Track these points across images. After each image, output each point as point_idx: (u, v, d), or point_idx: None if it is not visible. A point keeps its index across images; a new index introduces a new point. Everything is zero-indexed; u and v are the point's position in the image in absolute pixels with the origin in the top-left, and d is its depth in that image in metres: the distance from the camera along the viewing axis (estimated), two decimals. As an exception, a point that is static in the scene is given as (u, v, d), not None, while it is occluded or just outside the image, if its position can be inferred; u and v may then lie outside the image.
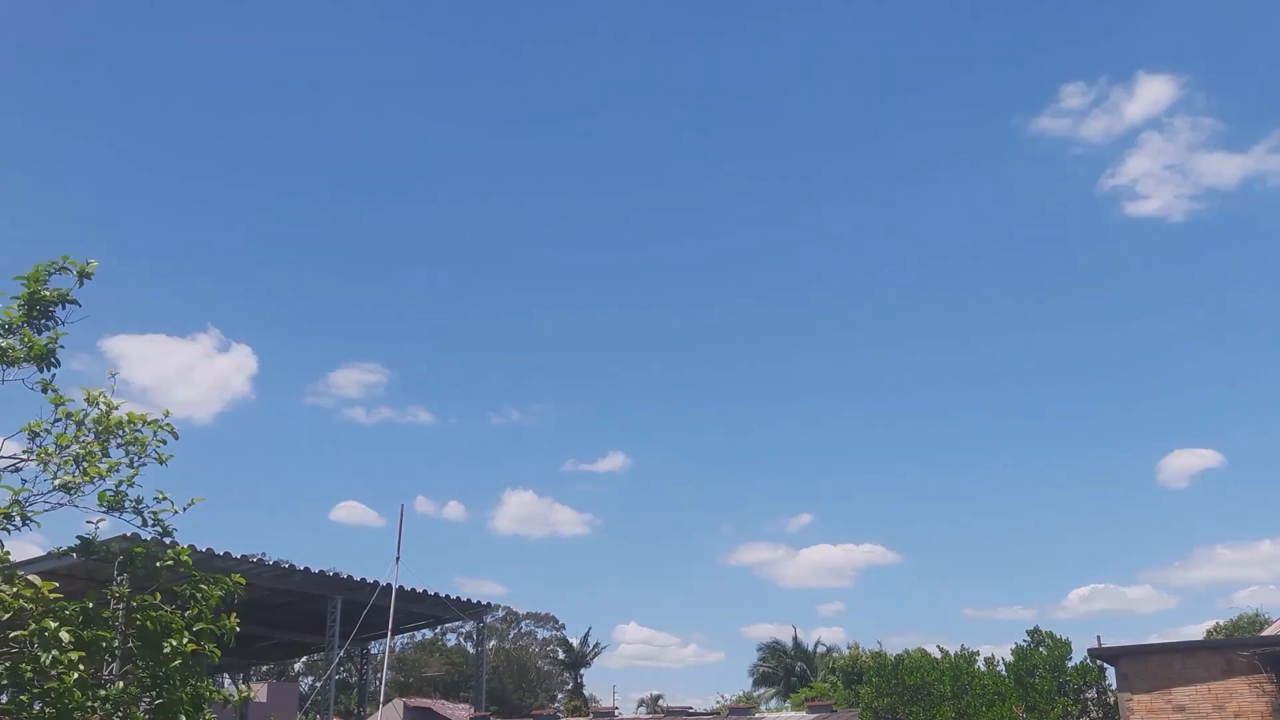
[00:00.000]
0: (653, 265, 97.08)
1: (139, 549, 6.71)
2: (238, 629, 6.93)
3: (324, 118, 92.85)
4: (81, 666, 5.91)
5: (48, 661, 5.82)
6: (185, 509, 6.82)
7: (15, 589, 6.12)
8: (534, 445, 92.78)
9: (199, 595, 6.71)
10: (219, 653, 6.72)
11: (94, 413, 6.65)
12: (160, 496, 6.70)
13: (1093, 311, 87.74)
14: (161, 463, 6.78)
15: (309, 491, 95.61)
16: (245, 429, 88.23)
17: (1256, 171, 79.95)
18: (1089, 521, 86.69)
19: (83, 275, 6.69)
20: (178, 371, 78.98)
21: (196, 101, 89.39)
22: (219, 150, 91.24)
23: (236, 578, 6.93)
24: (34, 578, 6.17)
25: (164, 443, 6.80)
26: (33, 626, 5.91)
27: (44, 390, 6.58)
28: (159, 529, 6.71)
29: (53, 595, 6.10)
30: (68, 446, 6.55)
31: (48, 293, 6.58)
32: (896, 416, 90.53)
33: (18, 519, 6.33)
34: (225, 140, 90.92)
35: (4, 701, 6.01)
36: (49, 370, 6.60)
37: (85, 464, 6.49)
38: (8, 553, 6.55)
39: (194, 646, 6.58)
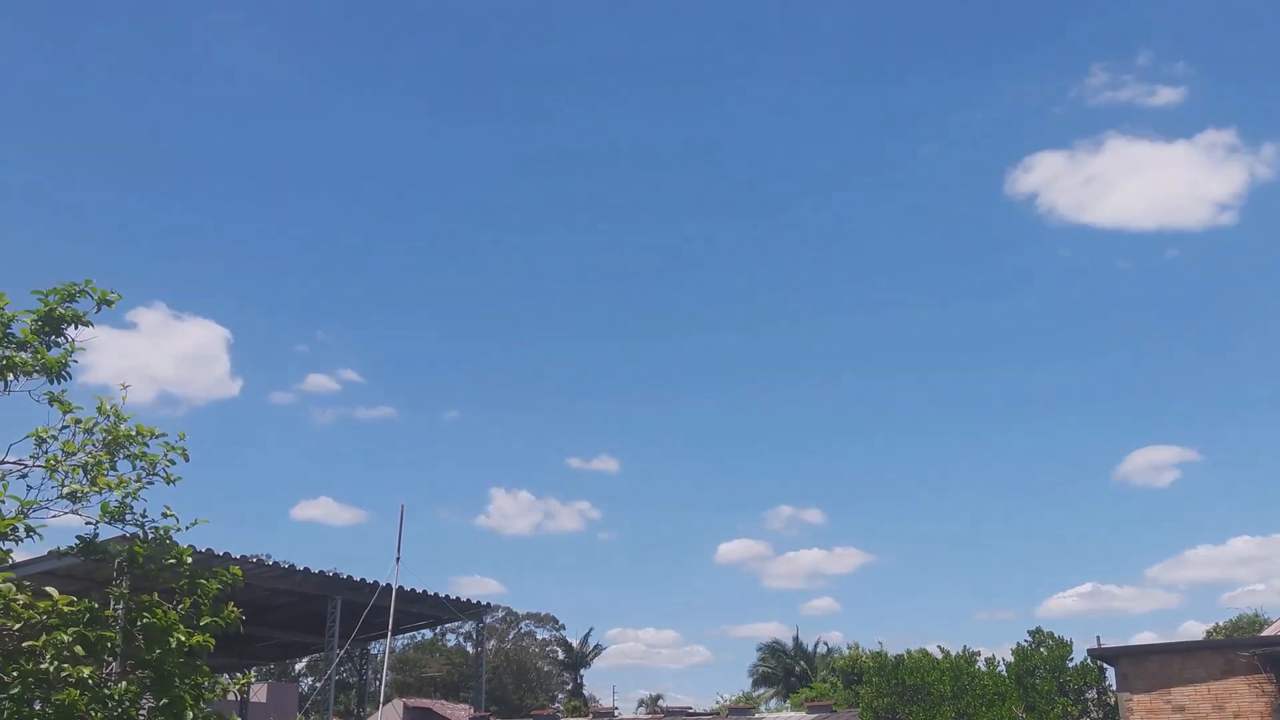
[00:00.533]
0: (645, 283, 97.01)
1: (140, 548, 6.73)
2: (242, 618, 6.94)
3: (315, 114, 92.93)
4: (90, 679, 5.92)
5: (54, 670, 5.83)
6: (189, 527, 6.90)
7: (26, 599, 6.13)
8: (527, 443, 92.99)
9: (198, 590, 6.73)
10: (213, 641, 6.72)
11: (104, 423, 6.70)
12: (167, 512, 6.77)
13: (1064, 319, 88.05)
14: (169, 483, 6.85)
15: (286, 488, 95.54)
16: (219, 425, 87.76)
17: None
18: (1066, 524, 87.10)
19: (102, 302, 6.82)
20: (147, 363, 78.28)
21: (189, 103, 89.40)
22: (194, 142, 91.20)
23: (234, 569, 6.96)
24: (51, 590, 6.18)
25: (173, 463, 6.86)
26: (45, 638, 5.92)
27: (51, 403, 6.66)
28: (161, 541, 6.76)
29: (67, 609, 6.10)
30: (74, 454, 6.59)
31: (63, 311, 6.70)
32: (879, 421, 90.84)
33: (21, 530, 6.36)
34: (212, 133, 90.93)
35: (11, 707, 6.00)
36: (59, 383, 6.68)
37: (93, 474, 6.54)
38: (9, 551, 6.56)
39: (198, 638, 6.60)
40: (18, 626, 6.00)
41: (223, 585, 6.84)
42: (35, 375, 6.58)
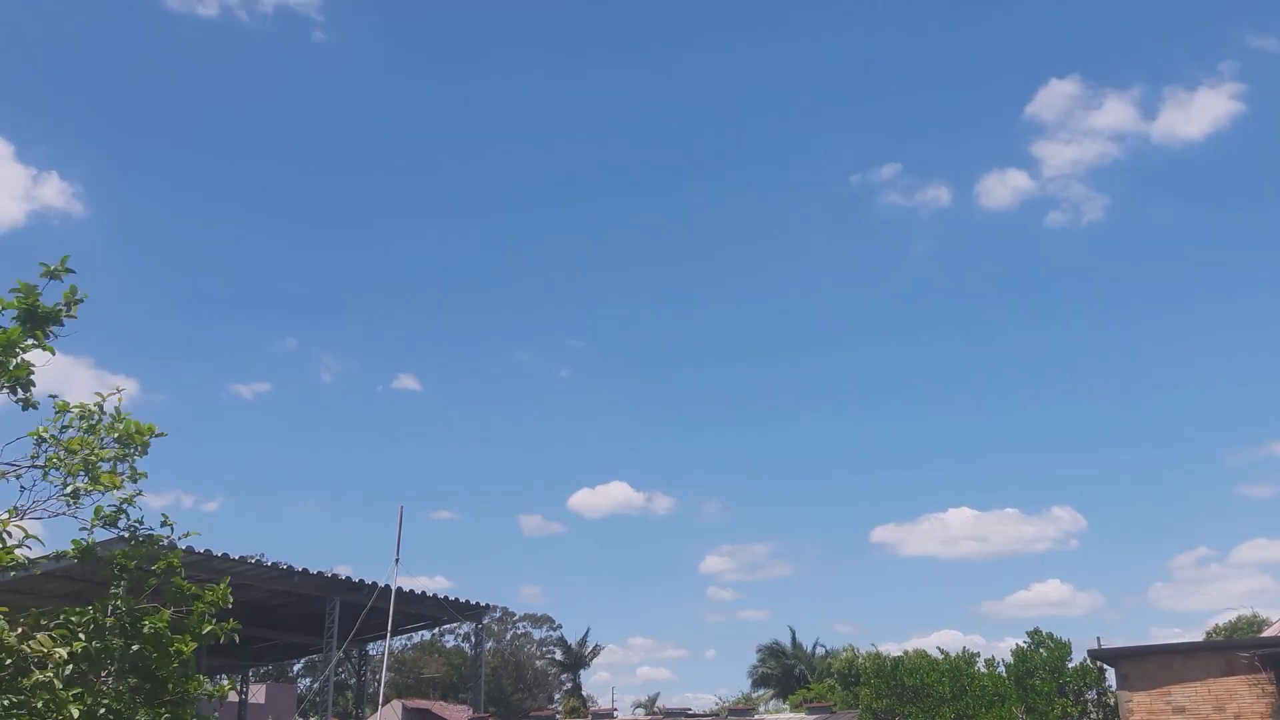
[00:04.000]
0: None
1: (128, 557, 6.62)
2: (237, 629, 6.87)
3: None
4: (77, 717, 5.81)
5: (43, 707, 5.73)
6: (183, 538, 6.81)
7: (22, 629, 6.02)
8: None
9: (188, 600, 6.64)
10: (194, 645, 6.63)
11: (106, 421, 6.55)
12: (165, 521, 6.64)
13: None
14: (134, 480, 6.55)
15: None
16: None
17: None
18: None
19: (70, 302, 6.23)
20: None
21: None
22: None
23: (223, 587, 6.80)
24: (43, 637, 5.98)
25: (138, 455, 6.63)
26: (35, 677, 5.79)
27: (24, 408, 6.20)
28: (152, 548, 6.67)
29: (56, 652, 5.93)
30: (77, 452, 6.38)
31: (44, 307, 6.13)
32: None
33: (19, 534, 6.23)
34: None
35: None
36: (23, 392, 6.16)
37: (95, 473, 6.36)
38: (8, 550, 6.39)
39: (201, 638, 6.53)
40: (9, 661, 5.87)
41: (209, 605, 6.66)
42: (4, 389, 6.11)
